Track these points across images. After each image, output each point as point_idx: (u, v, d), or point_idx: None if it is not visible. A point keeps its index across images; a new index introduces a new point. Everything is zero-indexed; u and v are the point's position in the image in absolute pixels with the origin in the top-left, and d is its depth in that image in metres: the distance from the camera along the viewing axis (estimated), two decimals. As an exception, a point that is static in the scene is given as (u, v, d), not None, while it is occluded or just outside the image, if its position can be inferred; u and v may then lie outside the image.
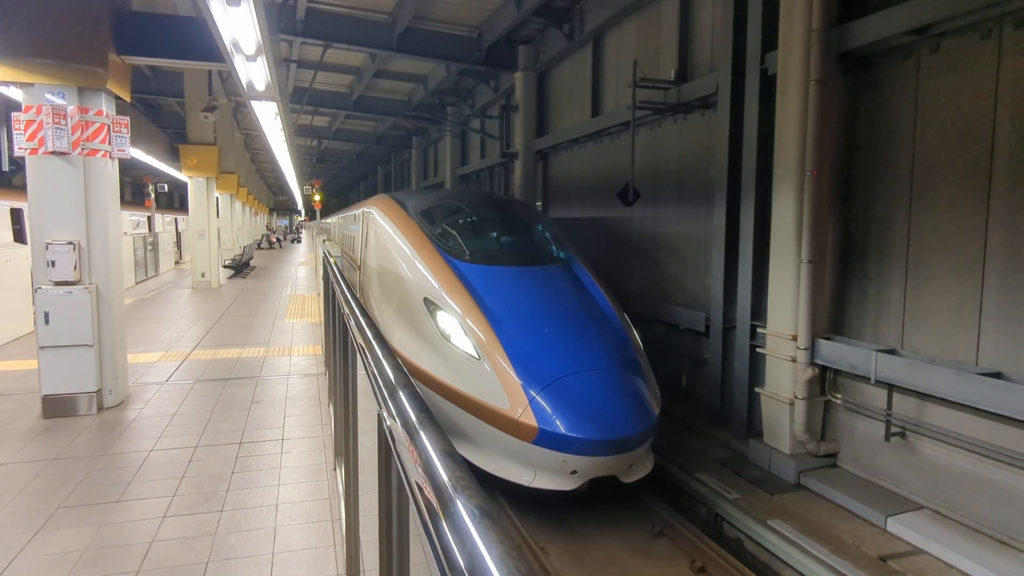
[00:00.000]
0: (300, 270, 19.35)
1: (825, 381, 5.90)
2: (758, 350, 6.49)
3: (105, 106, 5.18)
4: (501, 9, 10.90)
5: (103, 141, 5.16)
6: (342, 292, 3.07)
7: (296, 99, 16.87)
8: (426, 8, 10.97)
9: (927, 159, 5.13)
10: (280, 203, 60.40)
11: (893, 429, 5.33)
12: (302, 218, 63.22)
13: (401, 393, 1.23)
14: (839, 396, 5.84)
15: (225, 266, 16.74)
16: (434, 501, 0.79)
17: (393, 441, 1.16)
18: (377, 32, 11.62)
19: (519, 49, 12.41)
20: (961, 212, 4.86)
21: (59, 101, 4.94)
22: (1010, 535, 4.50)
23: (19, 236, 9.80)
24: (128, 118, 5.46)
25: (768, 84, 6.41)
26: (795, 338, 5.78)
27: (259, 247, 30.67)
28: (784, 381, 5.95)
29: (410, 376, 1.40)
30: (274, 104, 7.83)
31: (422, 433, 1.00)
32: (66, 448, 4.39)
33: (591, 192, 10.89)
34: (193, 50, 5.60)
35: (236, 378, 6.34)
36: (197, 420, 5.04)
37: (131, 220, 17.70)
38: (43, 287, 5.00)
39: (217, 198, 15.42)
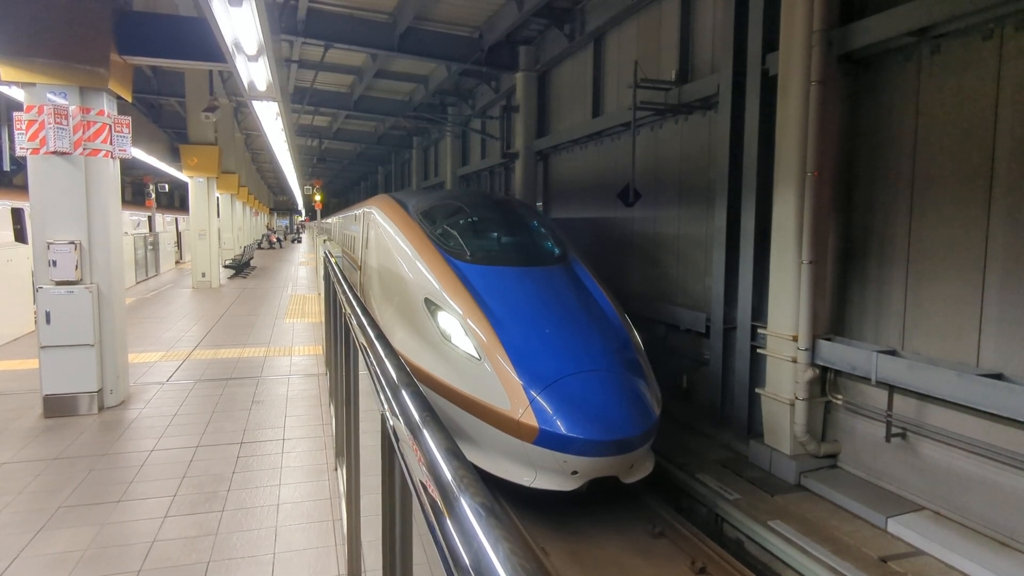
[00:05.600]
0: (300, 270, 19.36)
1: (826, 382, 5.90)
2: (759, 351, 6.49)
3: (107, 106, 5.18)
4: (502, 9, 10.90)
5: (104, 141, 5.16)
6: (343, 292, 3.07)
7: (297, 99, 16.88)
8: (427, 8, 10.97)
9: (928, 160, 5.13)
10: (281, 203, 60.41)
11: (894, 430, 5.33)
12: (302, 218, 63.20)
13: (404, 392, 1.23)
14: (840, 397, 5.84)
15: (226, 266, 16.74)
16: (438, 499, 0.79)
17: (397, 440, 1.17)
18: (378, 32, 11.63)
19: (520, 49, 12.41)
20: (962, 213, 4.86)
21: (61, 101, 4.95)
22: (1011, 536, 4.51)
23: (20, 235, 9.81)
24: (129, 118, 5.46)
25: (769, 85, 6.41)
26: (796, 339, 5.78)
27: (259, 247, 30.68)
28: (785, 382, 5.95)
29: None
30: (275, 104, 7.83)
31: (425, 432, 1.00)
32: (67, 448, 4.39)
33: (592, 192, 10.89)
34: (194, 50, 5.61)
35: (237, 378, 6.34)
36: (198, 420, 5.04)
37: (132, 220, 17.70)
38: (44, 287, 5.01)
39: (218, 198, 15.43)
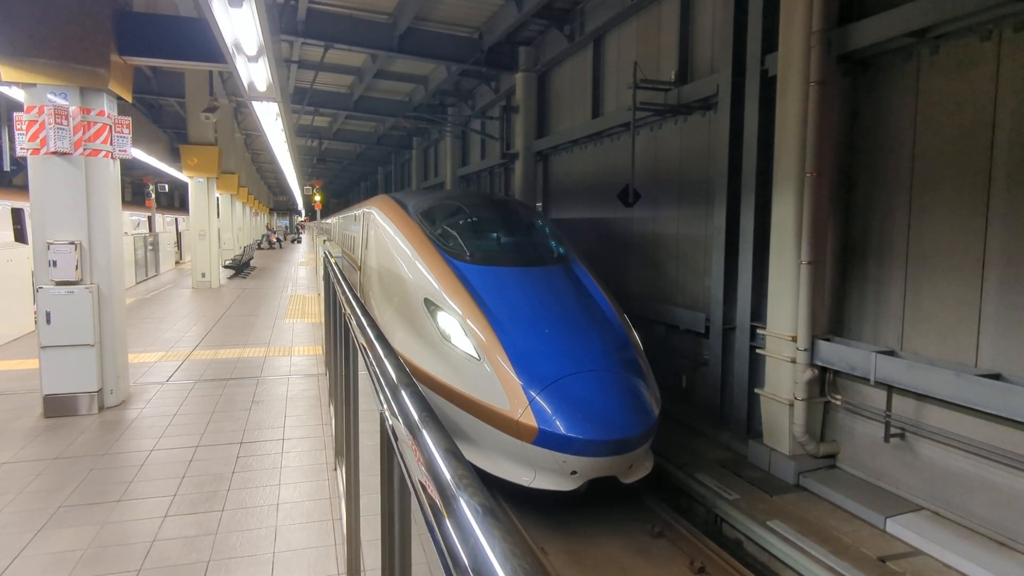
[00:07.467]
0: (300, 270, 19.36)
1: (825, 382, 5.91)
2: (758, 351, 6.50)
3: (107, 106, 5.19)
4: (502, 10, 10.91)
5: (105, 141, 5.17)
6: (343, 292, 3.07)
7: (297, 99, 16.88)
8: (427, 9, 10.98)
9: (927, 161, 5.14)
10: (280, 203, 60.40)
11: (892, 430, 5.34)
12: (302, 218, 63.16)
13: (403, 392, 1.23)
14: (838, 397, 5.84)
15: (225, 266, 16.74)
16: (437, 499, 0.79)
17: (396, 440, 1.17)
18: (378, 33, 11.64)
19: (520, 50, 12.42)
20: (961, 214, 4.87)
21: (61, 101, 4.96)
22: (1009, 536, 4.51)
23: (20, 236, 9.81)
24: (129, 118, 5.47)
25: (768, 85, 6.42)
26: (795, 339, 5.79)
27: (259, 247, 30.68)
28: (784, 382, 5.96)
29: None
30: (275, 104, 7.84)
31: (425, 432, 1.00)
32: (67, 447, 4.40)
33: (591, 193, 10.90)
34: (194, 51, 5.61)
35: (237, 378, 6.34)
36: (198, 420, 5.05)
37: (132, 220, 17.71)
38: (44, 287, 5.01)
39: (217, 198, 15.43)
